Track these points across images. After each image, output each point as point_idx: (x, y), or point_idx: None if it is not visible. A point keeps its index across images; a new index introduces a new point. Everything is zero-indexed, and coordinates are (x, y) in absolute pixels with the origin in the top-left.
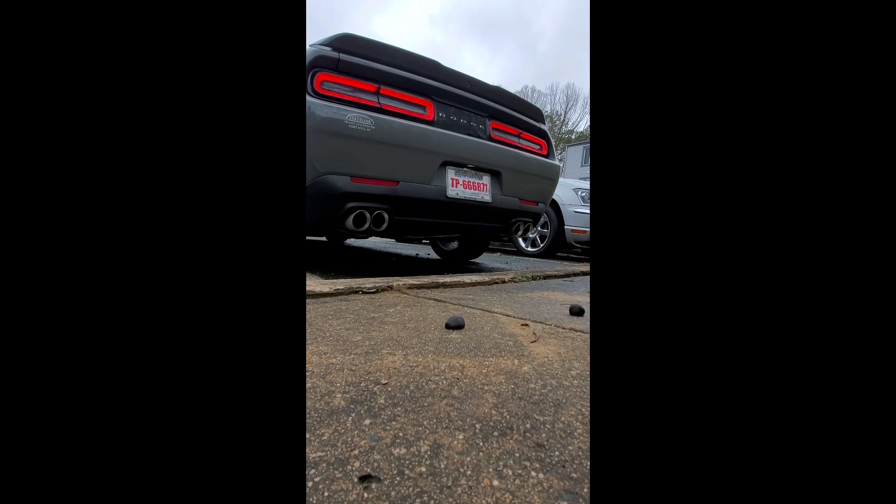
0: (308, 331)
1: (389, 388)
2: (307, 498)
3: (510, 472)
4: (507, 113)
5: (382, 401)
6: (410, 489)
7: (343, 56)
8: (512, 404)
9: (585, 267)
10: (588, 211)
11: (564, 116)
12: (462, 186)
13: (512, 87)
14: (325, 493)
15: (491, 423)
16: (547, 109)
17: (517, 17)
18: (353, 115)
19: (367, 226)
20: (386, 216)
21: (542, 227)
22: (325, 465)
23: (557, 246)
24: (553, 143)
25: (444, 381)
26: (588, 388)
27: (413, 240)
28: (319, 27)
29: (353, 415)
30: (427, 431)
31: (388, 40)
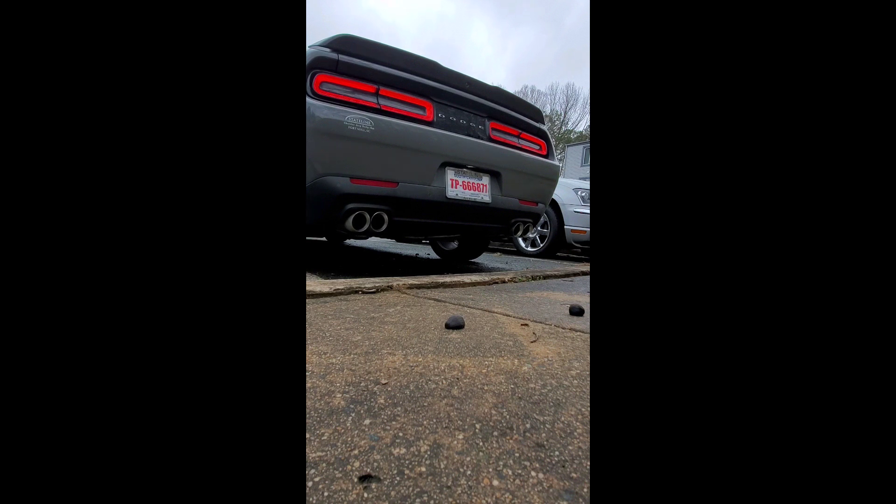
0: (308, 331)
1: (389, 388)
2: (307, 498)
3: (510, 472)
4: (507, 113)
5: (382, 401)
6: (410, 489)
7: (342, 57)
8: (512, 404)
9: (585, 267)
10: (588, 211)
11: (564, 116)
12: (462, 187)
13: (528, 71)
14: (325, 493)
15: (491, 423)
16: (547, 109)
17: None
18: (352, 117)
19: (366, 227)
20: (386, 217)
21: (542, 227)
22: (325, 465)
23: (557, 246)
24: (553, 143)
25: (444, 381)
26: (588, 388)
27: (413, 240)
28: (309, 10)
29: (353, 415)
30: (427, 431)
31: (386, 17)
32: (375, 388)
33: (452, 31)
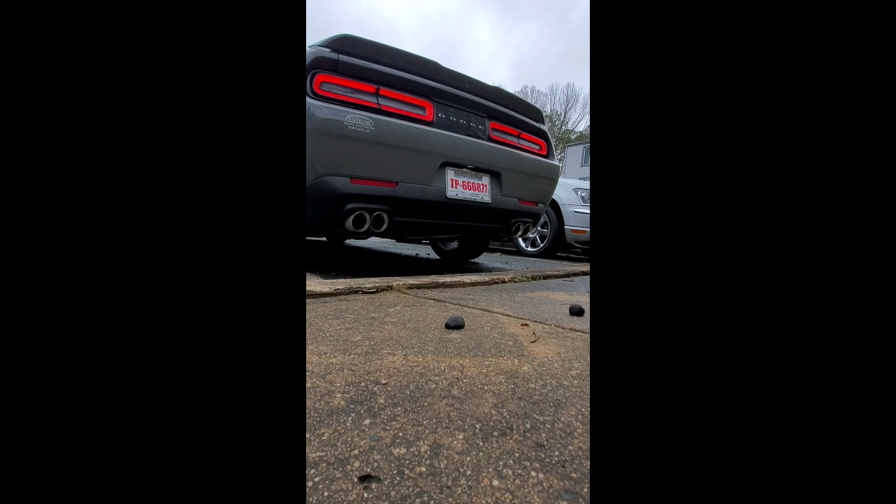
0: (308, 331)
1: (389, 388)
2: (307, 498)
3: (510, 472)
4: (507, 113)
5: (382, 401)
6: (410, 489)
7: (342, 57)
8: (512, 404)
9: (585, 267)
10: (588, 211)
11: (564, 116)
12: (462, 187)
13: (531, 69)
14: (325, 493)
15: (491, 423)
16: (547, 109)
17: None
18: (352, 117)
19: (366, 227)
20: (386, 217)
21: (542, 227)
22: (325, 465)
23: (557, 246)
24: (553, 143)
25: (444, 381)
26: (588, 388)
27: (413, 240)
28: (309, 9)
29: (353, 415)
30: (427, 431)
31: (386, 14)
32: (375, 388)
33: (454, 28)
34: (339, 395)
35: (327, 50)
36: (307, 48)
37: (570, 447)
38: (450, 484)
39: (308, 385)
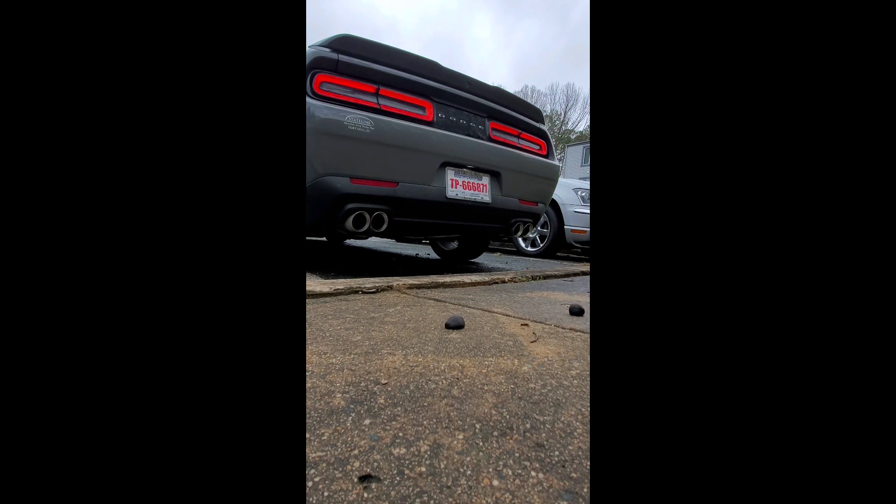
0: (308, 331)
1: (389, 388)
2: (307, 498)
3: (510, 472)
4: (507, 113)
5: (382, 401)
6: (410, 489)
7: (342, 57)
8: (512, 404)
9: (585, 267)
10: (588, 211)
11: (564, 116)
12: (462, 187)
13: (532, 67)
14: (325, 493)
15: (491, 423)
16: (547, 109)
17: None
18: (352, 117)
19: (366, 227)
20: (386, 217)
21: (542, 227)
22: (325, 465)
23: (557, 246)
24: (553, 143)
25: (444, 381)
26: (588, 388)
27: (413, 240)
28: (308, 6)
29: (353, 415)
30: (427, 431)
31: (385, 12)
32: (375, 388)
33: (454, 26)
34: (339, 395)
35: (327, 50)
36: (307, 48)
37: (570, 447)
38: (450, 484)
39: (308, 385)
